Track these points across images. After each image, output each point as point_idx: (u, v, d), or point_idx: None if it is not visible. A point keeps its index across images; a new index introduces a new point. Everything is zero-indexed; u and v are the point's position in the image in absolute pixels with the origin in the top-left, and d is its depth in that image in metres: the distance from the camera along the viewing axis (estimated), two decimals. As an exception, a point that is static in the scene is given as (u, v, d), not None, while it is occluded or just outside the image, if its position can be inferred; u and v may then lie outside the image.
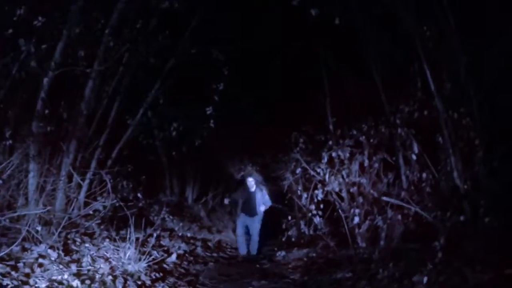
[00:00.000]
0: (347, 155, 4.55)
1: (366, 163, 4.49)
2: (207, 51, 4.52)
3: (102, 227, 4.07)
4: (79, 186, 4.00)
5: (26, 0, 3.44)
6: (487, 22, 3.95)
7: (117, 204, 4.06)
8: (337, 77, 4.60)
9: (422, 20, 4.16)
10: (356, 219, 4.45)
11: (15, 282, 3.15)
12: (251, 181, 5.83)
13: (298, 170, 4.91)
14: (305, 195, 4.79)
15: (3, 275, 3.18)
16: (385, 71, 4.63)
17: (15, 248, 3.40)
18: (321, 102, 4.74)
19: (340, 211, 4.55)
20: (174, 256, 4.40)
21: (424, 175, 4.44)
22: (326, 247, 4.57)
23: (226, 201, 6.61)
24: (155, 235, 4.54)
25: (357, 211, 4.48)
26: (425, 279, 3.54)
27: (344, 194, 4.59)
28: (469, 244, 3.78)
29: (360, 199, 4.49)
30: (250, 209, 5.87)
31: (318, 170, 4.71)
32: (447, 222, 4.09)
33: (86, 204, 4.10)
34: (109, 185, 4.01)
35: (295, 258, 4.63)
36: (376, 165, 4.49)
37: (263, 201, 5.77)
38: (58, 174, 3.90)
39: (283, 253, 4.78)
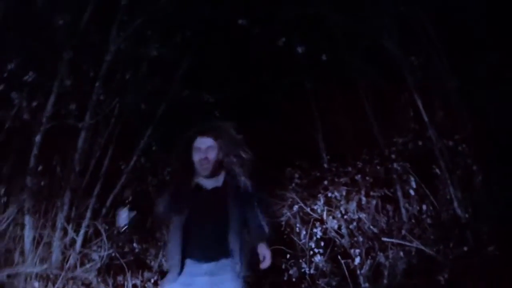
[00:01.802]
0: (344, 194, 4.52)
1: (364, 200, 4.46)
2: (197, 94, 4.57)
3: (99, 278, 4.00)
4: (75, 238, 3.96)
5: (16, 55, 3.53)
6: (473, 43, 4.00)
7: (113, 254, 4.04)
8: (328, 111, 4.62)
9: (409, 49, 4.23)
10: (357, 260, 4.36)
11: None
12: (211, 155, 2.68)
13: (295, 208, 4.85)
14: (303, 232, 4.72)
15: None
16: (376, 102, 4.67)
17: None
18: (314, 137, 4.74)
19: (340, 250, 4.49)
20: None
21: (424, 206, 4.43)
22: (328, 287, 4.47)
23: (123, 221, 2.84)
24: (152, 280, 4.49)
25: (357, 251, 4.40)
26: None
27: (343, 230, 4.52)
28: (474, 275, 3.72)
29: (360, 238, 4.43)
30: (206, 246, 2.57)
31: (315, 207, 4.65)
32: (450, 254, 4.03)
33: (82, 255, 4.05)
34: (104, 236, 4.00)
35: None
36: (374, 201, 4.45)
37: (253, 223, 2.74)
38: (54, 227, 3.88)
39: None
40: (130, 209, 2.84)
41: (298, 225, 4.77)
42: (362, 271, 4.37)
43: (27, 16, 3.53)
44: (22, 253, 3.68)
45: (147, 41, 4.21)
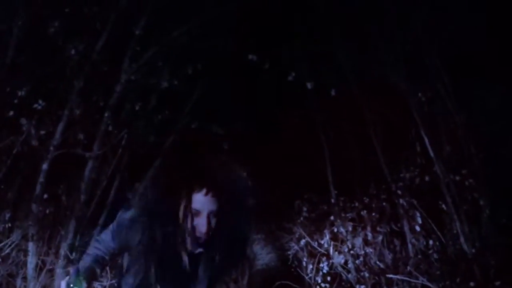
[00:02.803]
0: (350, 229, 4.50)
1: (370, 236, 4.43)
2: (207, 126, 4.62)
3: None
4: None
5: (27, 82, 3.61)
6: (480, 76, 4.05)
7: (115, 285, 3.98)
8: (337, 145, 4.65)
9: (416, 83, 4.29)
10: (363, 293, 4.31)
11: None
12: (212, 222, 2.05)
13: (302, 242, 4.80)
14: (310, 266, 4.65)
15: None
16: (384, 137, 4.70)
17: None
18: (322, 171, 4.75)
19: (345, 285, 4.42)
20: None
21: (430, 241, 4.39)
22: None
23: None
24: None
25: (363, 287, 4.32)
26: None
27: (350, 265, 4.46)
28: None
29: (366, 273, 4.37)
30: None
31: (322, 242, 4.62)
32: (457, 290, 3.97)
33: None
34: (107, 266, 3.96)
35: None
36: (380, 237, 4.42)
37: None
38: (57, 254, 3.85)
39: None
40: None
41: (305, 259, 4.75)
42: (368, 308, 4.31)
43: (39, 43, 3.63)
44: (24, 278, 3.66)
45: (158, 72, 4.30)
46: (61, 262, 3.91)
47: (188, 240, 2.04)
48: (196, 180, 2.04)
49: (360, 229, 4.48)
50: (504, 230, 3.85)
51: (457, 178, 4.10)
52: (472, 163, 3.99)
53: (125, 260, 2.21)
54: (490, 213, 3.91)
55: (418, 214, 4.30)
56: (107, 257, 2.17)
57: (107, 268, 4.71)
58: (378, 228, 4.43)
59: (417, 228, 4.31)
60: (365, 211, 4.47)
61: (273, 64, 4.49)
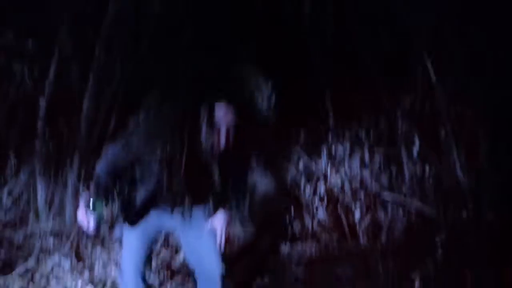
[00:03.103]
0: (347, 151, 4.53)
1: (367, 158, 4.47)
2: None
3: (110, 231, 4.27)
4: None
5: (13, 24, 3.54)
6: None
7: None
8: (336, 70, 4.52)
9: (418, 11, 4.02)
10: (357, 215, 4.48)
11: (33, 294, 3.46)
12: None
13: (301, 164, 4.94)
14: (308, 188, 4.84)
15: (22, 289, 3.48)
16: (385, 59, 4.53)
17: (30, 261, 3.63)
18: (320, 94, 4.68)
19: (341, 206, 4.60)
20: (182, 255, 4.58)
21: (427, 168, 4.43)
22: (329, 241, 4.63)
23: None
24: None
25: (358, 208, 4.48)
26: (423, 276, 3.61)
27: (346, 187, 4.59)
28: (470, 241, 3.79)
29: (362, 195, 4.51)
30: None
31: (320, 164, 4.72)
32: (449, 218, 4.08)
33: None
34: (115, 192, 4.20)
35: (298, 253, 4.74)
36: (378, 159, 4.47)
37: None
38: (65, 187, 4.09)
39: (287, 247, 4.88)
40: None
41: (303, 182, 4.90)
42: (362, 228, 4.51)
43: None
44: (36, 214, 3.93)
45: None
46: (69, 193, 4.19)
47: (205, 153, 2.10)
48: (216, 93, 2.07)
49: (357, 151, 4.52)
50: (500, 165, 3.83)
51: (458, 107, 4.01)
52: (474, 92, 3.86)
53: (137, 172, 2.27)
54: (489, 146, 3.87)
55: (416, 139, 4.30)
56: (118, 173, 2.26)
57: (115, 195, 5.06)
58: (375, 151, 4.48)
59: (415, 152, 4.34)
60: (363, 133, 4.48)
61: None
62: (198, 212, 2.35)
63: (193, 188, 2.20)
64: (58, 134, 3.97)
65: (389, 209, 4.37)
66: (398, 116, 4.27)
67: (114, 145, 2.27)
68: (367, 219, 4.54)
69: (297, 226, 4.97)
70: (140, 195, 2.24)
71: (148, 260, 2.56)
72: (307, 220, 4.84)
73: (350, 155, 4.51)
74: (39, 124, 3.83)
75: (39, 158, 3.86)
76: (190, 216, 2.34)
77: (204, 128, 2.03)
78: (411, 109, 4.27)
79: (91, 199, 2.14)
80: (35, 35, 3.62)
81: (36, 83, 3.74)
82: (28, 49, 3.62)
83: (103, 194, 2.16)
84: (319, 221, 4.79)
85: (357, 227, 4.57)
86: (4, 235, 3.60)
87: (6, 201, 3.69)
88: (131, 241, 2.38)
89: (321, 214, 4.74)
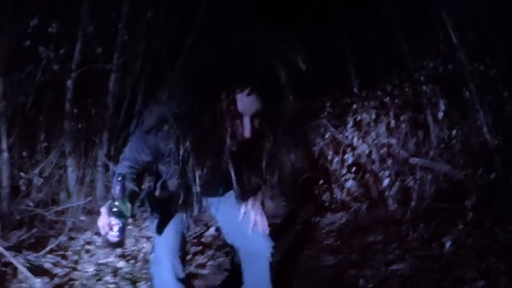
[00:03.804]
0: (373, 117, 4.48)
1: (393, 124, 4.41)
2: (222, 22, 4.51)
3: (142, 208, 4.37)
4: (117, 173, 4.29)
5: (37, 10, 3.64)
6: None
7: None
8: (357, 36, 4.46)
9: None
10: (386, 181, 4.42)
11: (66, 270, 3.51)
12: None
13: (327, 135, 4.86)
14: (336, 159, 4.76)
15: (54, 265, 3.54)
16: (406, 25, 4.44)
17: (63, 238, 3.76)
18: (344, 62, 4.64)
19: (370, 173, 4.57)
20: (212, 230, 4.66)
21: (453, 131, 4.33)
22: (359, 210, 4.63)
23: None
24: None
25: (387, 173, 4.43)
26: (454, 240, 3.57)
27: (374, 156, 4.55)
28: (500, 202, 3.72)
29: (390, 161, 4.47)
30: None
31: (346, 134, 4.67)
32: (478, 180, 4.01)
33: (124, 189, 4.37)
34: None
35: (329, 223, 4.73)
36: (404, 125, 4.39)
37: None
38: (95, 166, 4.21)
39: (317, 218, 4.89)
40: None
41: (330, 152, 4.87)
42: (391, 193, 4.48)
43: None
44: (68, 193, 4.07)
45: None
46: (100, 170, 4.31)
47: (228, 142, 1.96)
48: (239, 79, 1.89)
49: (383, 117, 4.45)
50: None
51: (481, 67, 3.92)
52: (496, 53, 3.76)
53: (160, 164, 2.16)
54: (514, 105, 3.78)
55: (441, 103, 4.21)
56: (140, 172, 2.08)
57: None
58: (401, 117, 4.40)
59: (440, 116, 4.27)
60: (388, 99, 4.38)
61: None
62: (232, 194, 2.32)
63: (220, 178, 2.13)
64: (87, 114, 4.08)
65: (418, 174, 4.39)
66: (422, 79, 4.22)
67: (130, 146, 2.14)
68: (396, 185, 4.56)
69: (327, 197, 5.02)
70: (168, 186, 2.17)
71: (183, 247, 2.40)
72: (336, 191, 4.90)
73: (376, 122, 4.47)
74: (67, 105, 3.93)
75: (69, 138, 3.98)
76: (226, 198, 2.33)
77: (227, 118, 1.91)
78: (435, 72, 4.20)
79: (115, 202, 1.93)
80: (59, 19, 3.70)
81: (63, 65, 3.82)
82: (53, 32, 3.70)
83: (128, 195, 1.96)
84: (348, 191, 4.87)
85: (386, 194, 4.64)
86: (37, 214, 3.72)
87: (38, 181, 3.80)
88: (165, 230, 2.28)
89: (350, 183, 4.82)
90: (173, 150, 2.00)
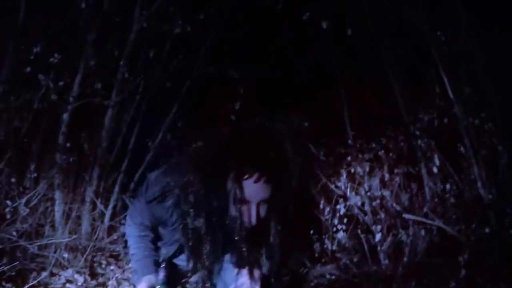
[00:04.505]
0: (367, 170, 4.48)
1: (387, 177, 4.41)
2: (222, 71, 4.61)
3: (126, 249, 4.23)
4: (103, 212, 4.18)
5: (41, 38, 3.68)
6: (503, 18, 3.81)
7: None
8: (353, 87, 4.55)
9: (436, 23, 4.06)
10: (378, 236, 4.37)
11: (45, 307, 3.40)
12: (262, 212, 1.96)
13: (319, 185, 4.88)
14: (327, 209, 4.75)
15: (34, 302, 3.42)
16: (402, 78, 4.50)
17: (44, 274, 3.59)
18: (339, 114, 4.69)
19: (361, 227, 4.49)
20: (199, 274, 4.47)
21: (447, 185, 4.28)
22: (349, 264, 4.52)
23: None
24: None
25: (379, 227, 4.39)
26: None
27: (366, 207, 4.51)
28: (494, 258, 3.68)
29: (383, 215, 4.42)
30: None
31: (339, 184, 4.65)
32: (471, 235, 3.97)
33: (110, 228, 4.27)
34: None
35: (318, 275, 4.60)
36: (397, 178, 4.37)
37: None
38: (83, 201, 4.09)
39: (305, 269, 4.75)
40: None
41: (322, 202, 4.81)
42: (383, 248, 4.38)
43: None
44: (52, 226, 3.91)
45: (170, 18, 4.26)
46: (87, 207, 4.18)
47: (232, 229, 1.92)
48: (246, 164, 1.81)
49: (377, 170, 4.40)
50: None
51: (476, 121, 3.98)
52: (491, 106, 3.85)
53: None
54: (509, 160, 3.82)
55: (436, 157, 4.22)
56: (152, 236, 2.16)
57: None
58: (395, 170, 4.36)
59: (435, 170, 4.27)
60: (382, 152, 4.35)
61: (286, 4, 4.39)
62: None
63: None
64: (79, 148, 4.02)
65: (411, 229, 4.33)
66: (418, 133, 4.27)
67: (133, 213, 2.20)
68: (388, 240, 4.47)
69: (317, 247, 4.90)
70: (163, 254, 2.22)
71: None
72: (327, 241, 4.79)
73: (370, 175, 4.46)
74: (61, 138, 3.89)
75: (59, 171, 3.89)
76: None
77: (232, 204, 1.86)
78: (430, 126, 4.26)
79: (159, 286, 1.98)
80: (62, 50, 3.74)
81: (61, 96, 3.82)
82: (54, 62, 3.72)
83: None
84: (339, 242, 4.76)
85: (378, 248, 4.54)
86: (20, 245, 3.57)
87: (24, 210, 3.68)
88: None
89: (341, 235, 4.72)
90: (177, 223, 1.98)
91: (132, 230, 2.18)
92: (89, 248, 3.87)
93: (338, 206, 4.63)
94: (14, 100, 3.59)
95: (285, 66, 4.78)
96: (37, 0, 3.56)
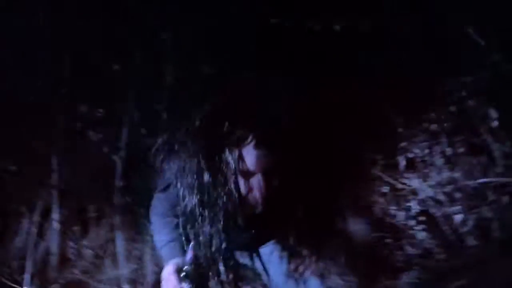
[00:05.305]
0: (426, 150, 4.02)
1: (449, 151, 3.90)
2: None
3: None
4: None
5: (84, 97, 4.25)
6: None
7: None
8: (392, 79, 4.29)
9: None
10: (458, 218, 3.76)
11: None
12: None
13: (385, 188, 4.31)
14: (401, 212, 4.19)
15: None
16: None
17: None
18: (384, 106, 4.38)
19: (442, 217, 3.90)
20: None
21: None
22: (436, 261, 3.84)
23: None
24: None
25: (456, 208, 3.81)
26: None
27: (440, 196, 3.95)
28: None
29: (458, 194, 3.82)
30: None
31: (405, 180, 4.18)
32: None
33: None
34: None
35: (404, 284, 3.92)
36: (461, 149, 3.87)
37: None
38: (143, 240, 4.23)
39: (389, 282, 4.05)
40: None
41: (391, 205, 4.31)
42: (466, 228, 3.73)
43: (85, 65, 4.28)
44: (114, 264, 4.05)
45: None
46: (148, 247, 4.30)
47: (239, 209, 1.72)
48: (244, 129, 1.58)
49: (436, 146, 3.97)
50: None
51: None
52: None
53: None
54: None
55: (491, 110, 3.70)
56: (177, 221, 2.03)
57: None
58: (455, 139, 3.91)
59: (495, 123, 3.66)
60: (435, 125, 3.96)
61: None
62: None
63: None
64: (133, 188, 4.29)
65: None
66: (464, 94, 3.82)
67: (156, 200, 2.14)
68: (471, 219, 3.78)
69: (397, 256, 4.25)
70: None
71: None
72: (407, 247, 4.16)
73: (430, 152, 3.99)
74: (116, 181, 4.23)
75: (118, 212, 4.15)
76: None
77: (234, 179, 1.66)
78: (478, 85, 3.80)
79: (187, 267, 1.87)
80: (106, 106, 4.27)
81: (110, 146, 4.26)
82: (100, 117, 4.24)
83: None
84: (420, 243, 4.09)
85: (461, 231, 3.83)
86: (82, 281, 3.77)
87: (85, 252, 3.94)
88: None
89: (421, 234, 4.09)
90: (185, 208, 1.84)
91: (155, 220, 2.13)
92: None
93: (409, 204, 4.18)
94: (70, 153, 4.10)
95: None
96: (78, 66, 4.21)
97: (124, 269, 3.93)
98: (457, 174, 3.85)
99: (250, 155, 1.57)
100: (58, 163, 4.08)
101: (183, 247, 1.96)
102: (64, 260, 3.87)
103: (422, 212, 4.05)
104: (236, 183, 1.63)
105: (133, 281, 3.91)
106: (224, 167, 1.63)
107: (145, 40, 4.38)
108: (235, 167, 1.59)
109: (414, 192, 4.11)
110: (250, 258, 2.18)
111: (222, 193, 1.67)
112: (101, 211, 4.16)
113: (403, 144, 4.07)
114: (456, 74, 3.91)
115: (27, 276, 3.29)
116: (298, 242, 1.86)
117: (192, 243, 1.86)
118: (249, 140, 1.54)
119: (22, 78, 3.90)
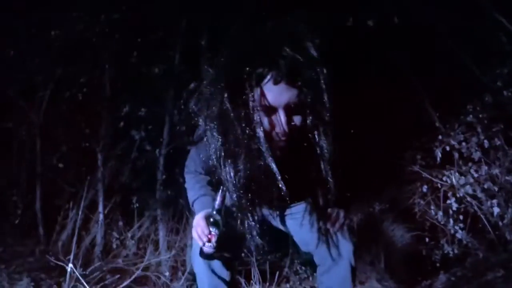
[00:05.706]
0: (463, 143, 3.91)
1: (486, 144, 3.79)
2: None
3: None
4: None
5: (129, 98, 4.52)
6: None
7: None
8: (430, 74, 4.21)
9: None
10: (496, 210, 3.65)
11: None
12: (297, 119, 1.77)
13: (425, 187, 4.18)
14: (440, 212, 4.04)
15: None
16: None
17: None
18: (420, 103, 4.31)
19: (482, 215, 3.79)
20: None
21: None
22: (476, 260, 3.73)
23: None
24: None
25: (494, 201, 3.71)
26: None
27: (478, 193, 3.84)
28: None
29: (496, 188, 3.71)
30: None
31: (443, 177, 4.04)
32: None
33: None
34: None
35: (442, 283, 3.82)
36: (498, 141, 3.75)
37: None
38: (185, 232, 4.39)
39: (428, 281, 3.94)
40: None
41: (431, 205, 4.20)
42: (505, 221, 3.64)
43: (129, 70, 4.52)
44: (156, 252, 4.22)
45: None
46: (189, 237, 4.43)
47: (265, 146, 1.71)
48: (264, 65, 1.65)
49: (472, 137, 3.88)
50: None
51: None
52: None
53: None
54: None
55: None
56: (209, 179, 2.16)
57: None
58: (492, 130, 3.80)
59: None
60: (470, 116, 3.87)
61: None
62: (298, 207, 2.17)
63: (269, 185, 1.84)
64: (175, 182, 4.45)
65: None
66: (499, 84, 3.72)
67: (189, 157, 2.26)
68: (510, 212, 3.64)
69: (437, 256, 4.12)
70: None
71: None
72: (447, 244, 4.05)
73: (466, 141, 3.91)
74: (158, 175, 4.42)
75: (160, 205, 4.35)
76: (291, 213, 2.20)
77: (258, 115, 1.69)
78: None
79: (215, 213, 1.93)
80: (148, 106, 4.50)
81: (153, 143, 4.49)
82: (143, 117, 4.49)
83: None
84: (460, 242, 3.98)
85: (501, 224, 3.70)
86: (125, 269, 3.95)
87: (129, 242, 4.14)
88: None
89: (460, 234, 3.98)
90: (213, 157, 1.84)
91: (188, 176, 2.27)
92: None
93: (448, 202, 4.08)
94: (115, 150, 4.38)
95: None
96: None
97: (165, 258, 4.08)
98: (495, 171, 3.75)
99: (271, 91, 1.65)
100: (103, 160, 4.35)
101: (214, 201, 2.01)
102: (108, 250, 4.08)
103: (460, 210, 3.98)
104: (259, 122, 1.68)
105: (173, 268, 4.06)
106: (247, 105, 1.68)
107: (183, 44, 4.60)
108: (257, 104, 1.66)
109: (452, 189, 4.03)
110: (280, 218, 2.23)
111: (247, 130, 1.70)
112: (144, 203, 4.36)
113: (440, 137, 4.01)
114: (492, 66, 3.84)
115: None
116: (327, 201, 1.87)
117: (222, 188, 1.89)
118: (268, 77, 1.64)
119: (67, 79, 4.18)
